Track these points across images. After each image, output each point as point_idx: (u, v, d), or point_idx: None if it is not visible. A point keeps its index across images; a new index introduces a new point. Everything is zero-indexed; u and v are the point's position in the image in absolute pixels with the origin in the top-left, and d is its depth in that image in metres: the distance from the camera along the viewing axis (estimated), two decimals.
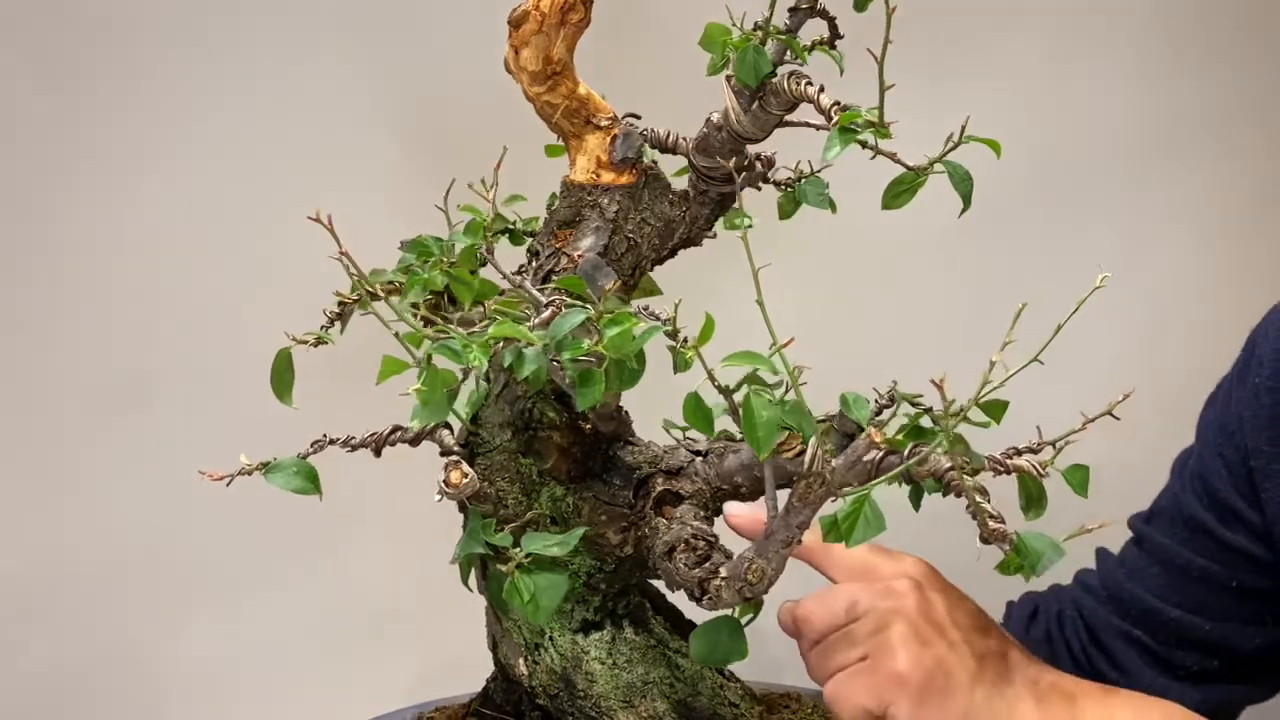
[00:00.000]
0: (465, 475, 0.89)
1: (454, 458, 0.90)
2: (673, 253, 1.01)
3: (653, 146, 1.01)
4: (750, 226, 1.06)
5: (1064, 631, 1.29)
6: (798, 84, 0.89)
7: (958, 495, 0.81)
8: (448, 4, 1.49)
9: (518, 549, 0.81)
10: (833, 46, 0.97)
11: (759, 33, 0.91)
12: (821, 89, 0.90)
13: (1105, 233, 1.72)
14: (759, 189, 1.03)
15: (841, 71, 0.99)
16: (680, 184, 1.01)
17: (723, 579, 0.82)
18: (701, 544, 0.85)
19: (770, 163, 1.03)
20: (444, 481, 0.90)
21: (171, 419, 1.50)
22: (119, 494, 1.52)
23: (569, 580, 0.81)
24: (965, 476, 0.80)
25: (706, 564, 0.84)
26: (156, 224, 1.44)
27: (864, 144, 0.87)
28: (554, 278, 0.92)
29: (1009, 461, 0.82)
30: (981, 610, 1.03)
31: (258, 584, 1.56)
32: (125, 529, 1.52)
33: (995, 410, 0.93)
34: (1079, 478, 0.83)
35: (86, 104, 1.44)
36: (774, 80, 0.91)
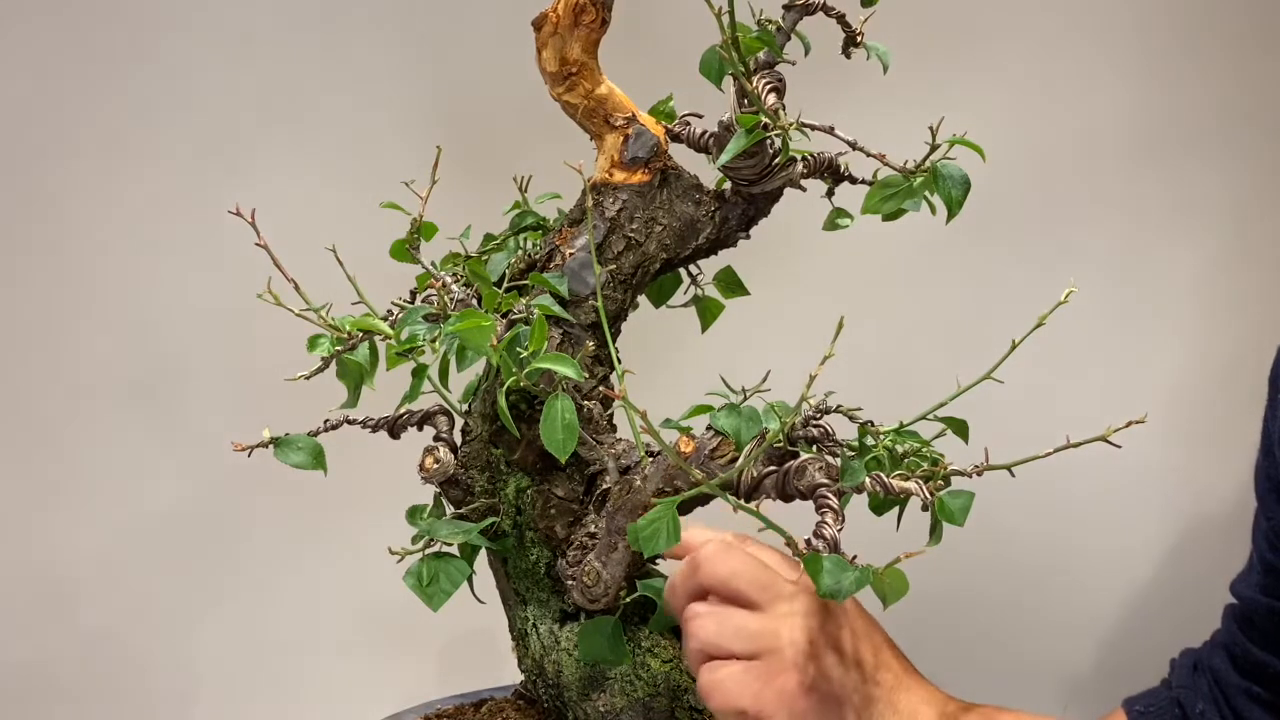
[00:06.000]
0: (437, 461, 0.94)
1: (434, 444, 0.95)
2: (702, 253, 1.00)
3: (689, 146, 1.02)
4: (848, 226, 1.06)
5: (1210, 688, 1.19)
6: (759, 84, 0.87)
7: (819, 511, 0.77)
8: (486, 6, 1.51)
9: (426, 535, 0.84)
10: (855, 45, 0.94)
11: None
12: (773, 90, 0.87)
13: (1109, 235, 1.62)
14: (803, 189, 1.01)
15: (885, 69, 0.96)
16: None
17: (570, 579, 0.82)
18: (591, 544, 0.85)
19: (825, 163, 1.01)
20: (419, 465, 0.94)
21: (182, 417, 1.55)
22: (126, 493, 1.57)
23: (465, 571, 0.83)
24: (830, 495, 0.76)
25: (580, 564, 0.84)
26: (186, 221, 1.50)
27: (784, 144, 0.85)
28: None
29: (897, 484, 0.78)
30: (883, 640, 0.96)
31: (265, 583, 1.60)
32: (131, 528, 1.57)
33: (959, 428, 0.89)
34: (959, 505, 0.78)
35: (115, 99, 1.51)
36: (751, 80, 0.89)
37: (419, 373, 0.85)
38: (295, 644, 1.61)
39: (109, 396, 1.55)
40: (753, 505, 0.81)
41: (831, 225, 1.03)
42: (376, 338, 0.87)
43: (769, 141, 0.91)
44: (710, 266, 1.05)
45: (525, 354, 0.81)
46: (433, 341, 0.83)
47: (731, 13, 0.85)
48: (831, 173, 1.01)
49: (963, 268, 1.59)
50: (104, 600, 1.58)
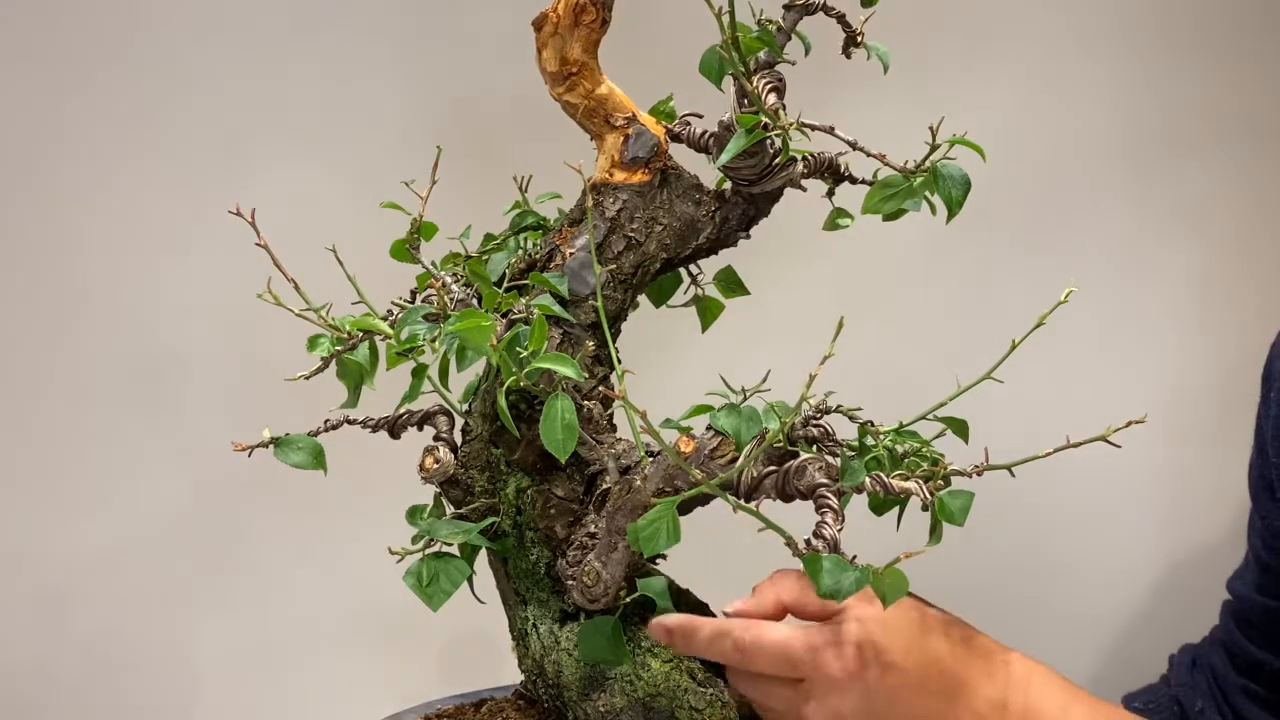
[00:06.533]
0: (437, 461, 0.94)
1: (434, 444, 0.95)
2: (702, 253, 1.00)
3: (689, 146, 1.02)
4: (848, 226, 1.06)
5: (1208, 685, 1.20)
6: (759, 84, 0.87)
7: (819, 511, 0.77)
8: (486, 6, 1.51)
9: (426, 535, 0.84)
10: (855, 45, 0.94)
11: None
12: (773, 90, 0.88)
13: (1109, 235, 1.64)
14: (804, 189, 1.01)
15: (886, 69, 0.96)
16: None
17: (570, 579, 0.82)
18: (591, 544, 0.85)
19: (825, 163, 1.01)
20: (419, 465, 0.94)
21: (182, 417, 1.54)
22: (126, 493, 1.56)
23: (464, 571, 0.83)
24: (830, 495, 0.76)
25: (580, 564, 0.84)
26: (186, 220, 1.50)
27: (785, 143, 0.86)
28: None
29: (897, 484, 0.78)
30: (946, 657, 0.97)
31: (265, 583, 1.59)
32: (131, 528, 1.56)
33: (959, 428, 0.89)
34: (959, 505, 0.78)
35: (116, 99, 1.50)
36: (751, 80, 0.89)
37: (419, 373, 0.85)
38: (295, 644, 1.60)
39: (109, 396, 1.55)
40: (753, 505, 0.81)
41: (831, 225, 1.03)
42: (376, 338, 0.87)
43: (769, 141, 0.92)
44: (710, 266, 1.05)
45: (525, 354, 0.81)
46: (433, 341, 0.84)
47: (731, 13, 0.85)
48: (831, 173, 1.01)
49: (963, 268, 1.59)
50: (104, 600, 1.57)
